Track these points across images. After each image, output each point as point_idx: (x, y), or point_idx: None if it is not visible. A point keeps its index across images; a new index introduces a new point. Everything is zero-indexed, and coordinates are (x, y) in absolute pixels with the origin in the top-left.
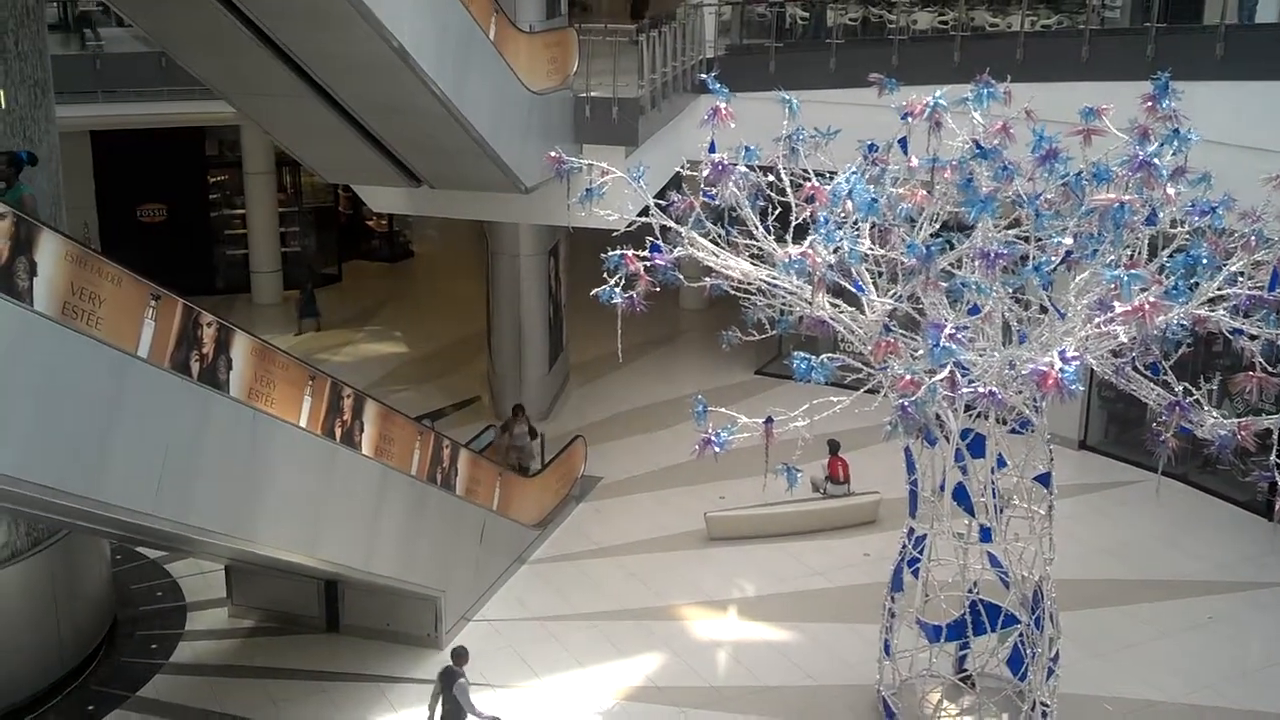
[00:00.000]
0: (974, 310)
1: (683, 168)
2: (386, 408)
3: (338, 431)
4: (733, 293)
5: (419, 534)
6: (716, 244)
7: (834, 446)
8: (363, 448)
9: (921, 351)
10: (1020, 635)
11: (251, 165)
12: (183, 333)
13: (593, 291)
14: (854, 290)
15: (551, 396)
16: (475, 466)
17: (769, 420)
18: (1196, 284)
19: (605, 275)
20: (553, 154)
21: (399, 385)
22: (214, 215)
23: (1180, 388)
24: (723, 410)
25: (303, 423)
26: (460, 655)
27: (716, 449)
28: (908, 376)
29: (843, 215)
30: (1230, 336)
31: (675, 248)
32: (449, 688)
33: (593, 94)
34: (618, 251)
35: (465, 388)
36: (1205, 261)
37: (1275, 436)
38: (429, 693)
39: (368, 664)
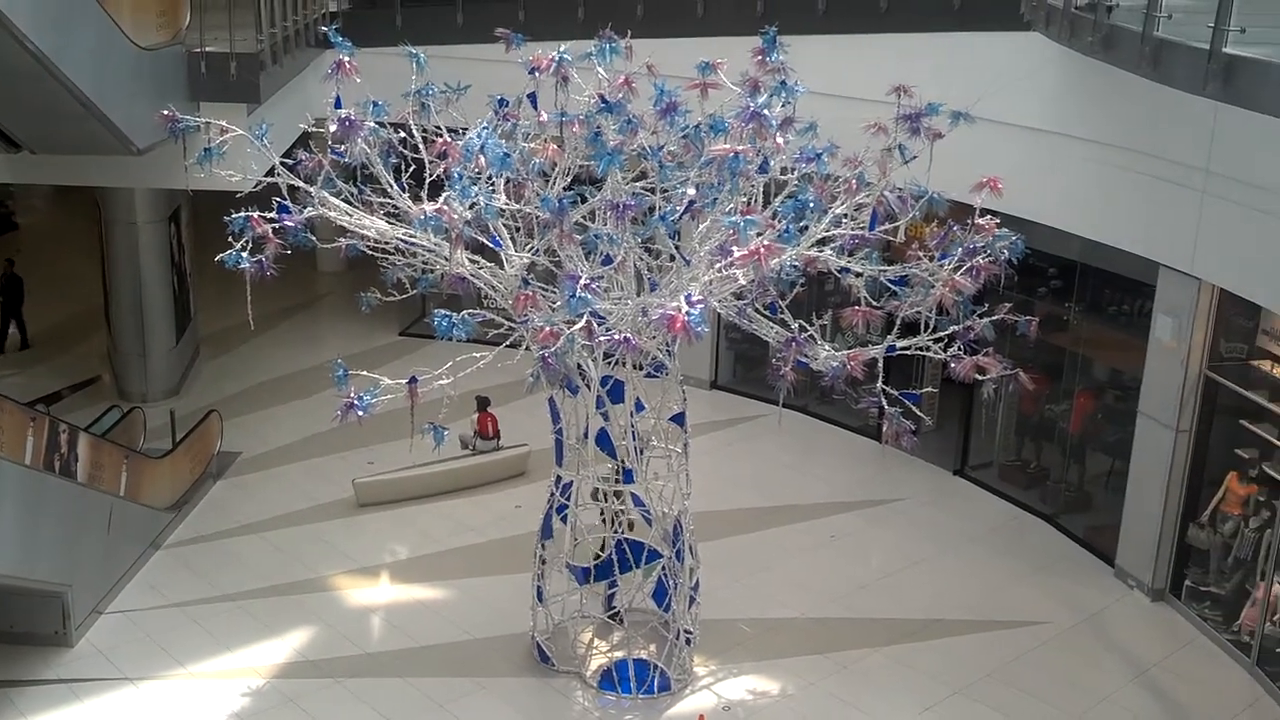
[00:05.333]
0: (607, 261)
1: (309, 125)
2: None
3: None
4: (370, 253)
5: (38, 526)
6: (350, 203)
7: (482, 402)
8: None
9: (560, 303)
10: (663, 569)
11: None
12: None
13: (218, 256)
14: (492, 245)
15: (181, 371)
16: (98, 451)
17: (413, 380)
18: (806, 227)
19: (231, 239)
20: (165, 112)
21: (7, 370)
22: None
23: (796, 325)
24: (364, 373)
25: None
26: None
27: (360, 413)
28: (547, 328)
29: (477, 171)
30: (838, 275)
31: (305, 208)
32: None
33: (208, 49)
34: (243, 213)
35: (84, 368)
36: (813, 205)
37: (880, 365)
38: (62, 696)
39: None
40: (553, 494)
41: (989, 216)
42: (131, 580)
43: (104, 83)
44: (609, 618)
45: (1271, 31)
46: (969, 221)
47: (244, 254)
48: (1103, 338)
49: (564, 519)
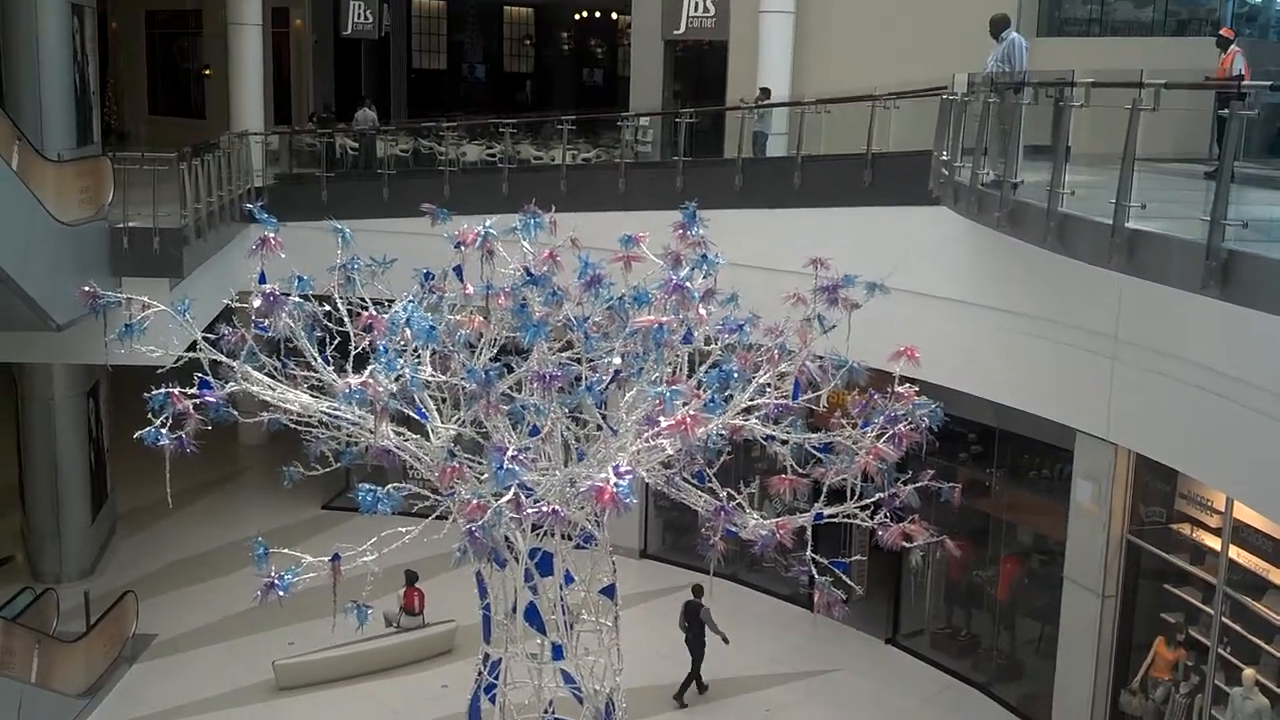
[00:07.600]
0: (535, 431)
1: (232, 299)
2: None
3: None
4: (293, 426)
5: None
6: (273, 376)
7: (411, 577)
8: None
9: (486, 475)
10: None
11: None
12: None
13: (137, 433)
14: (418, 417)
15: (97, 550)
16: (8, 635)
17: (335, 557)
18: (731, 396)
19: (151, 416)
20: (86, 289)
21: None
22: None
23: (724, 493)
24: (286, 551)
25: None
26: (699, 590)
27: (280, 593)
28: (474, 501)
29: (402, 343)
30: (764, 443)
31: (227, 383)
32: (694, 616)
33: (131, 224)
34: (163, 390)
35: None
36: (737, 375)
37: (809, 533)
38: None
39: None
40: (480, 673)
41: (908, 384)
42: None
43: (26, 259)
44: None
45: (1170, 206)
46: (889, 390)
47: (163, 430)
48: (1025, 502)
49: (493, 699)
